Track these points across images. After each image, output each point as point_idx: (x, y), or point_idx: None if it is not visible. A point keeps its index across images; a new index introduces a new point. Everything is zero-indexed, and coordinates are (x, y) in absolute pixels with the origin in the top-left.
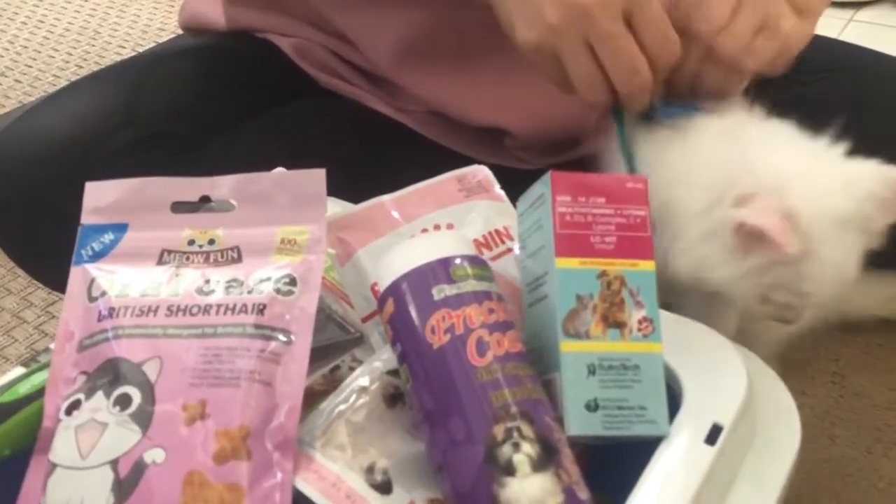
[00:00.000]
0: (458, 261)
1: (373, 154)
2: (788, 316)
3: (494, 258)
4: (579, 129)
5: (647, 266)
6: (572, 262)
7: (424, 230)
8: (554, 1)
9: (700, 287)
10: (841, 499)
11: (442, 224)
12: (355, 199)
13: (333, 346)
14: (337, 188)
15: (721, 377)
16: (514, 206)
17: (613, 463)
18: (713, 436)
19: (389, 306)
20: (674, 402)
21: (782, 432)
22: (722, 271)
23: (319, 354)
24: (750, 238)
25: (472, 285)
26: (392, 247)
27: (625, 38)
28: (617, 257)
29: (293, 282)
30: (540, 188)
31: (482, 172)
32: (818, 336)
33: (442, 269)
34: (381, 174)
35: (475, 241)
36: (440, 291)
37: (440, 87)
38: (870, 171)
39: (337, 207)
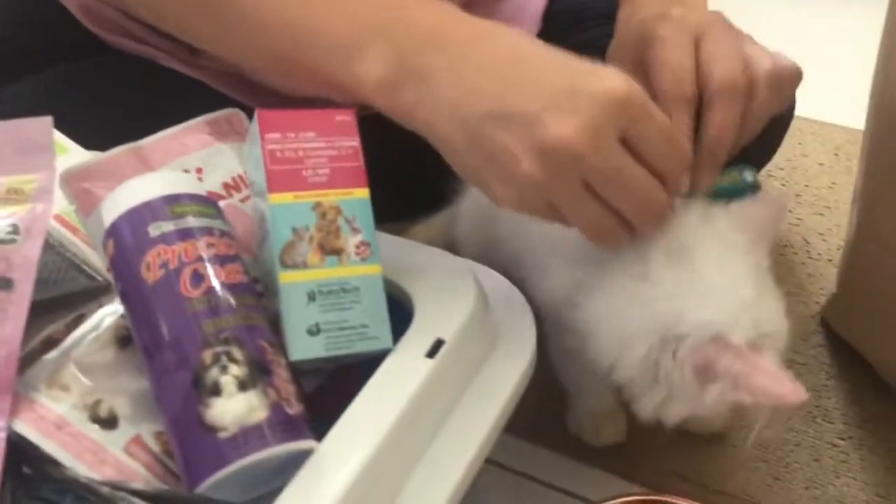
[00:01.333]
0: (179, 197)
1: (165, 111)
2: None
3: (244, 199)
4: None
5: (362, 193)
6: (286, 197)
7: None
8: (530, 150)
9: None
10: None
11: (191, 169)
12: None
13: (80, 293)
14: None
15: (451, 296)
16: None
17: None
18: (434, 350)
19: (110, 247)
20: (409, 321)
21: (519, 349)
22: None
23: (65, 302)
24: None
25: (191, 221)
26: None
27: (629, 168)
28: (331, 188)
29: (16, 230)
30: (253, 128)
31: (236, 116)
32: None
33: (160, 206)
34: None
35: (224, 183)
36: (157, 228)
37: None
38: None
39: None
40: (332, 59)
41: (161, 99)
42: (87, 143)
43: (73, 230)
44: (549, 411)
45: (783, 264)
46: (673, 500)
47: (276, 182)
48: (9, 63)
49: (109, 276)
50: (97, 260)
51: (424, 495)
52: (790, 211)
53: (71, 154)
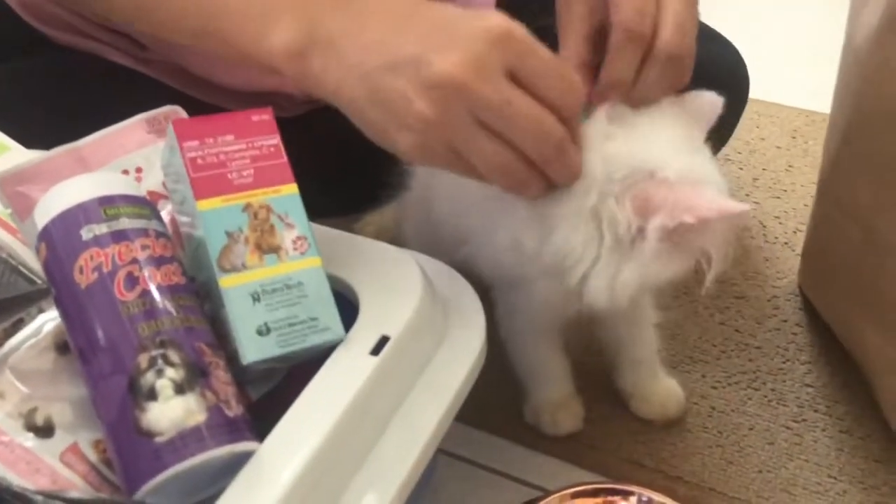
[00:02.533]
0: (111, 199)
1: (112, 107)
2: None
3: None
4: None
5: (290, 189)
6: (215, 202)
7: None
8: (418, 88)
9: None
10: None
11: (131, 168)
12: None
13: (19, 297)
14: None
15: (396, 291)
16: None
17: None
18: (379, 347)
19: (43, 251)
20: (356, 316)
21: (467, 340)
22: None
23: (3, 307)
24: (684, 231)
25: (124, 223)
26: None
27: (518, 99)
28: (258, 187)
29: None
30: (170, 139)
31: (174, 113)
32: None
33: (93, 208)
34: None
35: (164, 181)
36: (89, 231)
37: (183, 51)
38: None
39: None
40: (244, 33)
41: (107, 95)
42: (31, 142)
43: (13, 231)
44: (504, 401)
45: (740, 248)
46: (628, 488)
47: (202, 189)
48: None
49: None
50: (37, 263)
51: (371, 493)
52: (747, 195)
53: (12, 153)
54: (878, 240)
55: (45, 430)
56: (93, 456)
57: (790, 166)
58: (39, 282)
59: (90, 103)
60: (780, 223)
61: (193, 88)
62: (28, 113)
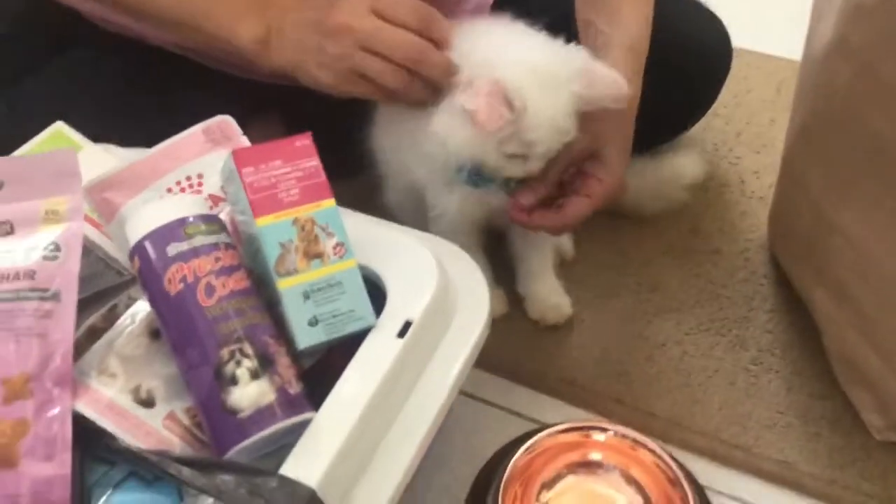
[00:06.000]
0: (189, 220)
1: (158, 88)
2: (525, 167)
3: None
4: None
5: (329, 203)
6: (269, 219)
7: (178, 182)
8: (324, 37)
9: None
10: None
11: (193, 175)
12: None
13: (111, 288)
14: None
15: (415, 278)
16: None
17: None
18: (404, 330)
19: (136, 262)
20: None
21: (474, 315)
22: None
23: (100, 296)
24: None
25: (200, 240)
26: (138, 208)
27: (384, 27)
28: (303, 204)
29: (57, 248)
30: (229, 164)
31: (225, 123)
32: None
33: (175, 228)
34: (175, 108)
35: (222, 186)
36: (174, 248)
37: None
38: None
39: (135, 155)
40: (221, 30)
41: (153, 78)
42: (86, 127)
43: (98, 226)
44: (510, 347)
45: (720, 203)
46: (608, 426)
47: (259, 208)
48: (11, 60)
49: (133, 270)
50: (120, 254)
51: (402, 444)
52: (730, 150)
53: (85, 151)
54: (825, 221)
55: (148, 402)
56: (186, 421)
57: (772, 121)
58: (126, 273)
59: (137, 86)
60: (758, 178)
61: (228, 66)
62: (84, 102)
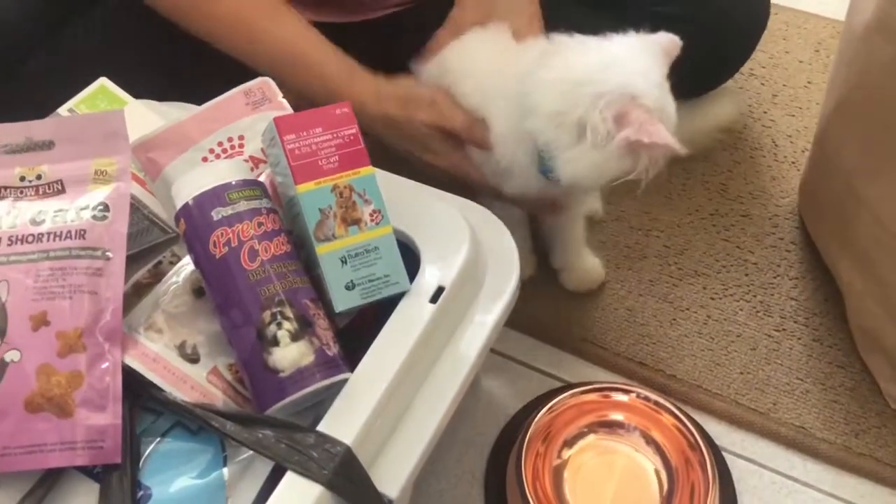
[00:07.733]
0: (232, 184)
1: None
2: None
3: None
4: None
5: (367, 171)
6: (309, 186)
7: (220, 143)
8: (414, 141)
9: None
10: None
11: (234, 137)
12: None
13: (157, 245)
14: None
15: (448, 244)
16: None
17: None
18: (437, 296)
19: (182, 224)
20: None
21: (504, 279)
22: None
23: (145, 252)
24: (638, 146)
25: (243, 205)
26: (185, 172)
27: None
28: (342, 171)
29: (107, 208)
30: (271, 131)
31: (265, 84)
32: None
33: (220, 193)
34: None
35: (263, 148)
36: (218, 213)
37: None
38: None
39: (175, 111)
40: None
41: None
42: (127, 80)
43: (142, 183)
44: (538, 309)
45: (751, 166)
46: (629, 387)
47: (300, 174)
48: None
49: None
50: (164, 212)
51: (432, 402)
52: (765, 112)
53: (130, 106)
54: (855, 196)
55: (192, 358)
56: (228, 376)
57: (809, 82)
58: (170, 230)
59: (185, 44)
60: (791, 142)
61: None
62: (125, 55)
